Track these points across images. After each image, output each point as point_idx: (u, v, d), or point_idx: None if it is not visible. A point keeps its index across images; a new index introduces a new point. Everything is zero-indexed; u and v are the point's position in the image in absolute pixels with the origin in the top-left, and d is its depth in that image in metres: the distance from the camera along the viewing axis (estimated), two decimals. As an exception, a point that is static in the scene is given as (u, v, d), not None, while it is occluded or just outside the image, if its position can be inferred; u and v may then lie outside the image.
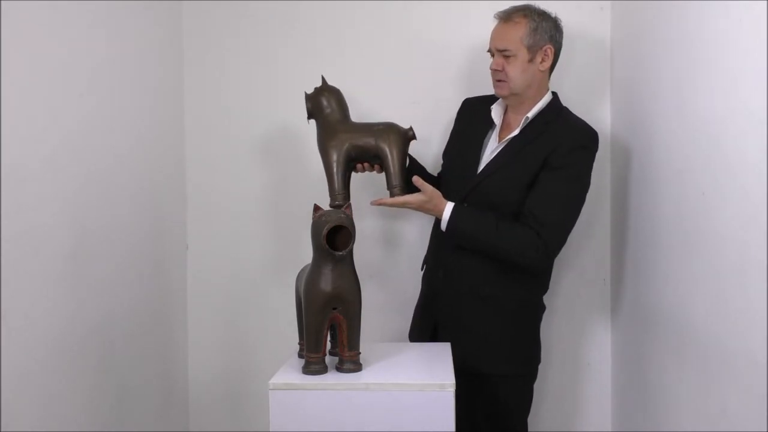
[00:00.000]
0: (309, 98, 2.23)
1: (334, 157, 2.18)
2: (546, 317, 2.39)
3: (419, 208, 2.17)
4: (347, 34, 2.67)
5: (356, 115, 2.64)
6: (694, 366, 1.85)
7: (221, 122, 2.71)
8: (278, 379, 1.72)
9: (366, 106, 2.51)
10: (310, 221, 1.76)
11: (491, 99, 2.33)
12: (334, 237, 1.72)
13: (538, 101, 2.23)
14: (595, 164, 2.30)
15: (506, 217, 2.15)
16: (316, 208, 1.75)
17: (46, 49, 1.85)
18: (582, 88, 2.60)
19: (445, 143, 2.43)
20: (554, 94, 2.28)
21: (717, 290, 1.71)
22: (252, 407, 2.71)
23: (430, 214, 2.22)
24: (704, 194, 1.77)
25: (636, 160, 2.33)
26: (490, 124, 2.30)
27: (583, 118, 2.27)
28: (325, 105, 2.22)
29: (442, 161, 2.43)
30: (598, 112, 2.58)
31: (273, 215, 2.70)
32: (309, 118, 2.24)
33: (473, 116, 2.35)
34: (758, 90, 1.49)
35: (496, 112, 2.29)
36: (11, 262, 1.68)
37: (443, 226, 2.16)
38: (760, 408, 1.49)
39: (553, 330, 2.64)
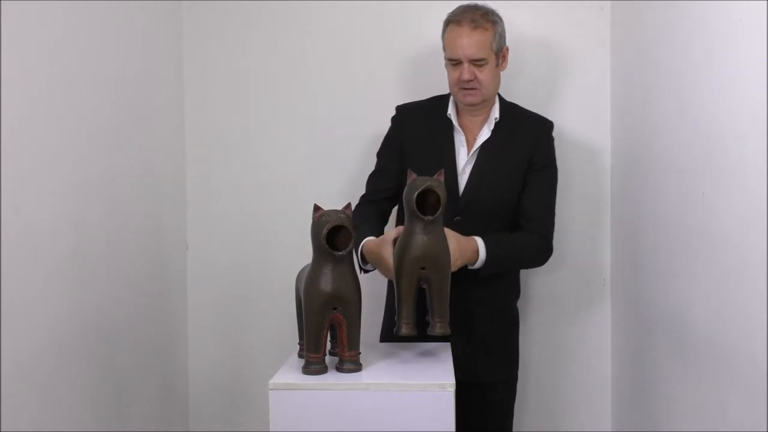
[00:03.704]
0: (440, 188, 1.76)
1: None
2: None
3: (459, 257, 1.95)
4: (347, 35, 2.67)
5: (356, 116, 2.65)
6: (694, 366, 1.85)
7: (221, 122, 2.71)
8: (278, 379, 1.71)
9: (366, 107, 2.51)
10: (310, 221, 1.75)
11: (433, 103, 2.28)
12: (334, 237, 1.72)
13: (495, 101, 2.24)
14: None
15: (507, 229, 2.19)
16: (316, 208, 1.74)
17: (47, 49, 1.85)
18: (582, 89, 2.60)
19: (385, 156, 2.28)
20: None
21: (717, 290, 1.71)
22: (252, 407, 2.70)
23: (464, 257, 1.99)
24: (705, 194, 1.77)
25: (636, 160, 2.33)
26: (449, 131, 2.22)
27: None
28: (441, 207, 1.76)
29: (389, 182, 2.24)
30: (598, 112, 2.58)
31: (273, 215, 2.70)
32: (430, 216, 1.74)
33: (424, 125, 2.24)
34: (758, 90, 1.49)
35: (454, 118, 2.22)
36: (11, 262, 1.68)
37: (479, 264, 2.04)
38: (760, 408, 1.49)
39: (553, 330, 2.64)
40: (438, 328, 1.78)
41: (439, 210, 1.73)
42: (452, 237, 1.90)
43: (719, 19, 1.70)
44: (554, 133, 2.32)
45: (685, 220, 1.91)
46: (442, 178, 1.78)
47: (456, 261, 1.90)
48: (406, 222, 1.79)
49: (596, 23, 2.59)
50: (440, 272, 1.77)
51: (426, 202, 1.75)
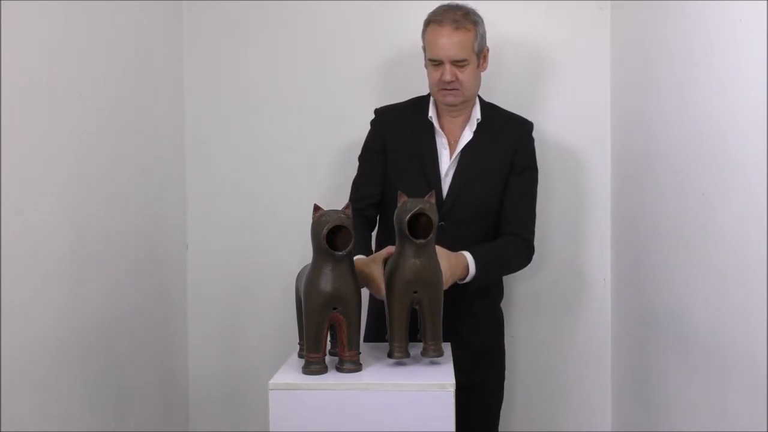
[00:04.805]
0: (432, 211, 1.73)
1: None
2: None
3: (451, 276, 1.93)
4: (348, 34, 2.67)
5: (355, 116, 2.64)
6: (694, 366, 1.85)
7: (221, 122, 2.71)
8: (278, 379, 1.71)
9: (367, 107, 2.50)
10: (310, 221, 1.76)
11: (412, 105, 2.26)
12: (334, 237, 1.72)
13: (476, 102, 2.22)
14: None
15: (490, 231, 2.18)
16: (316, 207, 1.74)
17: (47, 49, 1.85)
18: (582, 88, 2.60)
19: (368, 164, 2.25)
20: None
21: (717, 290, 1.71)
22: (252, 407, 2.70)
23: (455, 275, 1.97)
24: (704, 194, 1.78)
25: (636, 160, 2.33)
26: (430, 133, 2.19)
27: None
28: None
29: (374, 187, 2.22)
30: (598, 112, 2.58)
31: (273, 215, 2.70)
32: (422, 240, 1.70)
33: (404, 128, 2.22)
34: (758, 90, 1.49)
35: (435, 120, 2.20)
36: (11, 262, 1.68)
37: (470, 278, 2.03)
38: (760, 408, 1.49)
39: (553, 330, 2.64)
40: (431, 351, 1.77)
41: (431, 233, 1.71)
42: (443, 255, 1.86)
43: (719, 19, 1.70)
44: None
45: (684, 220, 1.91)
46: (433, 200, 1.75)
47: (447, 280, 1.88)
48: (397, 244, 1.76)
49: (596, 23, 2.59)
50: (433, 295, 1.75)
51: (417, 222, 1.73)
